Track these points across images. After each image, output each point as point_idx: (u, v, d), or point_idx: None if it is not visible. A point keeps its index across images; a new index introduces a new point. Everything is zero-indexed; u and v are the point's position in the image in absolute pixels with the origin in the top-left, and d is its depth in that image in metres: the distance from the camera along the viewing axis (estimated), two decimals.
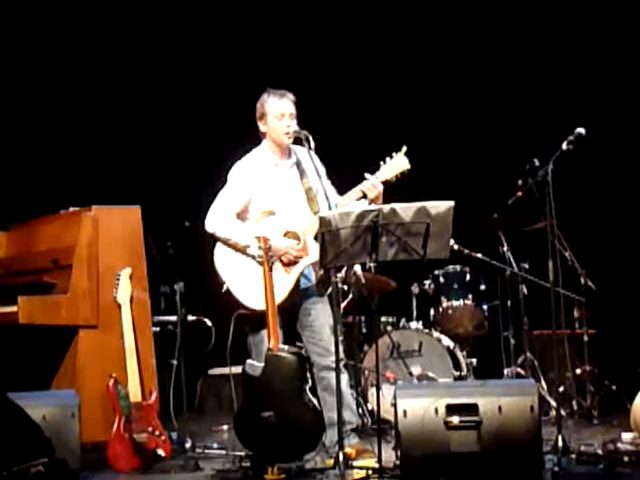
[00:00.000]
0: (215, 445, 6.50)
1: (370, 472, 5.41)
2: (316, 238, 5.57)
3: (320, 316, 5.96)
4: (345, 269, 6.75)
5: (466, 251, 7.60)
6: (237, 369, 5.85)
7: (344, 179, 6.00)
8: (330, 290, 5.89)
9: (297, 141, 5.97)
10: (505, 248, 7.55)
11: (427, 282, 7.89)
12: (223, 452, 6.26)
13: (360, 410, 6.84)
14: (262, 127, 6.03)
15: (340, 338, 5.81)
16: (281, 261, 5.86)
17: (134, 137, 8.81)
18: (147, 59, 8.87)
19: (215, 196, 6.00)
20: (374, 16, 8.87)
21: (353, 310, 7.32)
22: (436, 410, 5.20)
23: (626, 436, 5.79)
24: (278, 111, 5.95)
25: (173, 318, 7.11)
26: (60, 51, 8.65)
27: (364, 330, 7.77)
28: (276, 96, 5.97)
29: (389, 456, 5.49)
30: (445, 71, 8.85)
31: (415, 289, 7.89)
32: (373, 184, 5.81)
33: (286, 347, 5.64)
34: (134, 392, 6.06)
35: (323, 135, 5.92)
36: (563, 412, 6.95)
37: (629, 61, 8.36)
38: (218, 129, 8.77)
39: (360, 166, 5.92)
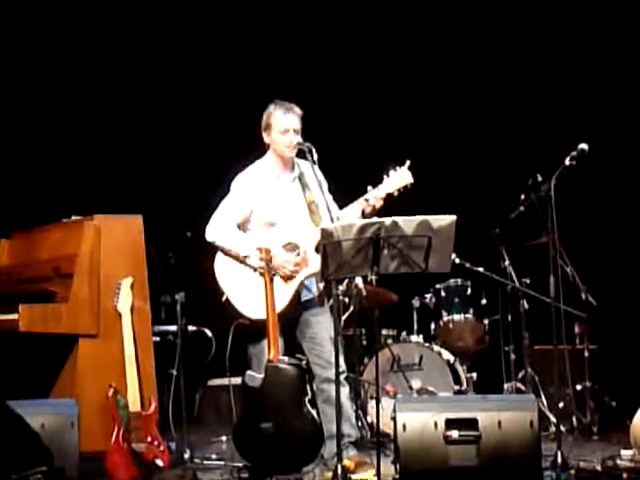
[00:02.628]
0: (214, 456, 6.50)
1: None
2: (317, 249, 5.58)
3: (322, 328, 5.96)
4: (346, 281, 6.75)
5: (467, 265, 7.60)
6: (237, 380, 5.85)
7: (347, 192, 6.00)
8: (331, 302, 5.89)
9: (300, 153, 5.97)
10: (507, 263, 7.55)
11: (428, 296, 7.89)
12: (222, 463, 6.26)
13: (359, 423, 6.84)
14: (266, 138, 6.04)
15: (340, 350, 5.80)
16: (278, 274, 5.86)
17: (137, 146, 8.82)
18: (151, 68, 8.89)
19: (217, 205, 6.01)
20: (379, 29, 8.88)
21: (354, 322, 7.31)
22: (435, 424, 5.19)
23: (626, 453, 5.77)
24: (282, 125, 5.95)
25: (173, 328, 7.10)
26: (64, 59, 8.66)
27: (364, 343, 7.76)
28: (282, 109, 5.97)
29: (388, 470, 5.47)
30: (449, 86, 8.86)
31: (416, 302, 7.89)
32: (375, 196, 5.81)
33: (286, 358, 5.64)
34: (133, 402, 6.06)
35: (326, 148, 5.92)
36: (563, 428, 6.92)
37: (632, 77, 8.37)
38: (221, 140, 8.78)
39: (363, 179, 5.92)
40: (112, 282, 6.26)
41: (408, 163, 5.89)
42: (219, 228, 5.94)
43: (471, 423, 5.19)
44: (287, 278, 5.86)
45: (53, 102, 8.64)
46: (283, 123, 5.95)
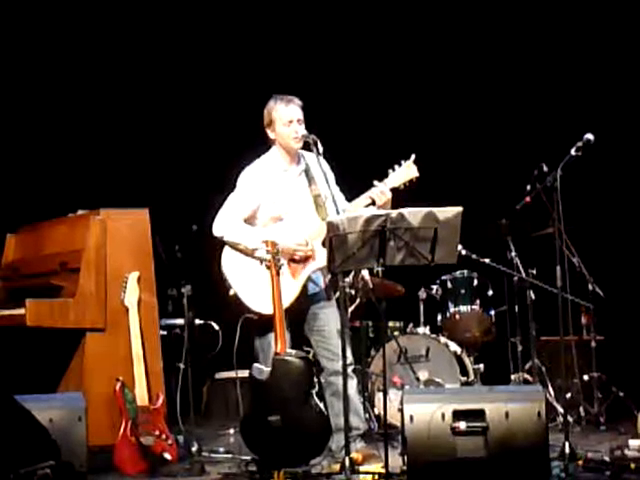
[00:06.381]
0: (221, 449, 6.51)
1: (376, 477, 5.41)
2: (324, 244, 5.57)
3: (330, 321, 5.95)
4: (353, 274, 6.75)
5: (474, 256, 7.59)
6: (244, 373, 5.85)
7: (353, 186, 6.00)
8: (338, 294, 5.89)
9: (306, 145, 5.97)
10: (513, 254, 7.53)
11: (434, 287, 7.89)
12: (229, 456, 6.28)
13: (367, 415, 6.83)
14: (270, 134, 6.03)
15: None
16: (293, 260, 5.85)
17: (143, 140, 8.82)
18: (156, 62, 8.89)
19: (224, 200, 6.00)
20: (384, 23, 8.88)
21: (360, 315, 7.32)
22: (443, 416, 5.19)
23: (633, 443, 5.77)
24: (286, 117, 5.95)
25: (180, 321, 7.11)
26: (68, 53, 8.66)
27: (371, 335, 7.76)
28: (283, 102, 5.97)
29: (395, 461, 5.48)
30: (453, 77, 8.85)
31: (422, 294, 7.89)
32: (382, 191, 5.81)
33: (293, 351, 5.64)
34: (141, 395, 6.07)
35: (333, 142, 5.92)
36: (570, 418, 6.93)
37: (638, 67, 8.35)
38: (228, 133, 8.78)
39: (369, 173, 5.92)
40: (119, 276, 6.26)
41: (413, 157, 5.88)
42: (227, 223, 5.93)
43: (478, 414, 5.18)
44: (295, 272, 5.86)
45: (58, 96, 8.63)
46: (286, 115, 5.95)
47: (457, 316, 7.78)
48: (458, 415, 5.19)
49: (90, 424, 5.61)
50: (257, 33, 8.93)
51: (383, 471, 5.33)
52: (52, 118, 8.64)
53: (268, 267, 5.61)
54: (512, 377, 7.62)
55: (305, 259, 5.88)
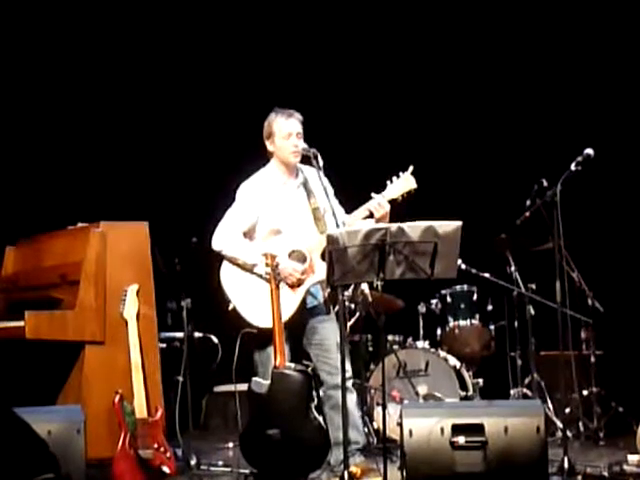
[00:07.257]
0: (220, 462, 6.49)
1: None
2: (323, 257, 5.58)
3: (329, 334, 5.95)
4: (352, 287, 6.74)
5: (473, 271, 7.59)
6: (243, 387, 5.85)
7: (351, 198, 6.01)
8: (337, 308, 5.89)
9: (305, 159, 5.97)
10: (513, 268, 7.54)
11: (434, 301, 7.88)
12: (228, 469, 6.26)
13: (366, 429, 6.83)
14: (269, 146, 6.04)
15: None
16: (285, 282, 5.86)
17: (142, 153, 8.83)
18: (156, 74, 8.90)
19: (223, 214, 6.01)
20: (383, 38, 8.89)
21: (360, 328, 7.32)
22: (442, 430, 5.19)
23: (632, 458, 5.77)
24: (285, 130, 5.96)
25: (180, 334, 7.11)
26: (69, 66, 8.68)
27: (370, 349, 7.75)
28: (283, 115, 5.99)
29: (394, 475, 5.46)
30: (454, 92, 8.86)
31: (422, 308, 7.88)
32: (380, 203, 5.81)
33: (292, 365, 5.64)
34: (140, 408, 6.06)
35: (330, 154, 5.93)
36: (569, 433, 6.92)
37: (638, 82, 8.36)
38: (227, 146, 8.79)
39: (367, 185, 5.92)
40: (118, 289, 6.26)
41: (411, 168, 5.89)
42: (225, 237, 5.93)
43: (477, 429, 5.18)
44: (294, 286, 5.86)
45: (59, 109, 8.64)
46: (286, 128, 5.97)
47: (456, 330, 7.77)
48: (457, 429, 5.19)
49: (89, 437, 5.60)
50: (257, 47, 8.94)
51: None
52: (52, 131, 8.65)
53: (268, 280, 5.61)
54: (511, 392, 7.61)
55: (301, 275, 5.87)
